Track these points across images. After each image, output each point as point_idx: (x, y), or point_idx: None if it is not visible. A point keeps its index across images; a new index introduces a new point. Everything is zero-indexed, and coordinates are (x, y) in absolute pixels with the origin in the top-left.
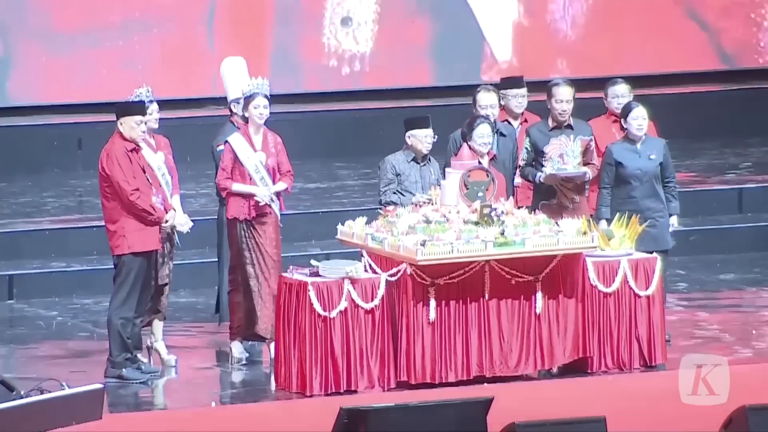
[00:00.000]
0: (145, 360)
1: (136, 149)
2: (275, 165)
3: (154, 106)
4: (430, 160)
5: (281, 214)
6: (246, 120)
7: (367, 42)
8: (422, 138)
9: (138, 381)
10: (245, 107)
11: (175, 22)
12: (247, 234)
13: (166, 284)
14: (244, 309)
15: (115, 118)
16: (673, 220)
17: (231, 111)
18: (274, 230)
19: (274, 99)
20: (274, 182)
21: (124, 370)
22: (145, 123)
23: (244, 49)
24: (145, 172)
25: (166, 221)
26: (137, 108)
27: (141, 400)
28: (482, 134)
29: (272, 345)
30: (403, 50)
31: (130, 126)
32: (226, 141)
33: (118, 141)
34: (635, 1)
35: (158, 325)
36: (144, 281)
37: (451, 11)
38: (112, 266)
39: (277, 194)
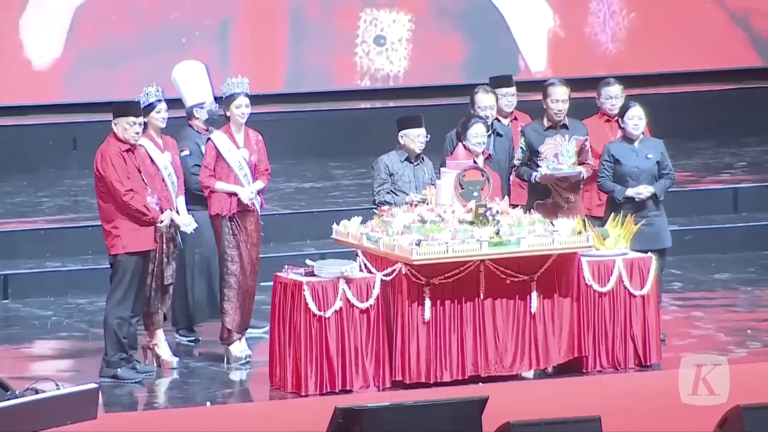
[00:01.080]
0: (146, 362)
1: (132, 149)
2: (257, 162)
3: (162, 105)
4: (423, 159)
5: (261, 213)
6: (227, 119)
7: (401, 61)
8: (415, 137)
9: (133, 381)
10: (226, 107)
11: (186, 30)
12: (230, 231)
13: (171, 284)
14: (220, 308)
15: (110, 118)
16: (644, 188)
17: (189, 115)
18: (255, 228)
19: (269, 99)
20: (254, 179)
21: (119, 369)
22: (140, 124)
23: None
24: (140, 172)
25: (161, 221)
26: (132, 108)
27: (135, 399)
28: (477, 134)
29: (234, 345)
30: (437, 68)
31: (123, 127)
32: (209, 139)
33: (113, 141)
34: (675, 14)
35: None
36: (140, 281)
37: (486, 26)
38: (108, 266)
39: (257, 192)
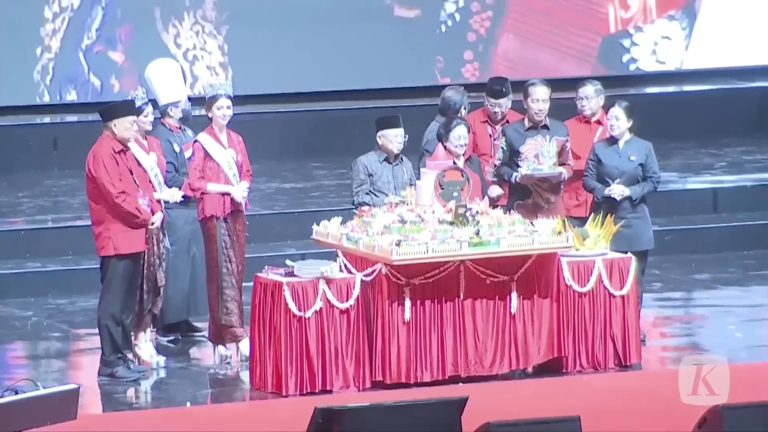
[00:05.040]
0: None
1: (124, 150)
2: (242, 162)
3: (149, 108)
4: (402, 159)
5: (246, 213)
6: (210, 120)
7: None
8: (393, 138)
9: (129, 379)
10: (208, 108)
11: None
12: (226, 231)
13: (163, 286)
14: (223, 308)
15: (93, 118)
16: (618, 188)
17: (163, 113)
18: (243, 229)
19: (250, 99)
20: (240, 179)
21: (116, 368)
22: (134, 123)
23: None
24: (132, 174)
25: (152, 223)
26: (131, 108)
27: (116, 399)
28: (459, 136)
29: (244, 342)
30: None
31: (125, 126)
32: (196, 140)
33: (106, 142)
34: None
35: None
36: (131, 282)
37: None
38: (88, 266)
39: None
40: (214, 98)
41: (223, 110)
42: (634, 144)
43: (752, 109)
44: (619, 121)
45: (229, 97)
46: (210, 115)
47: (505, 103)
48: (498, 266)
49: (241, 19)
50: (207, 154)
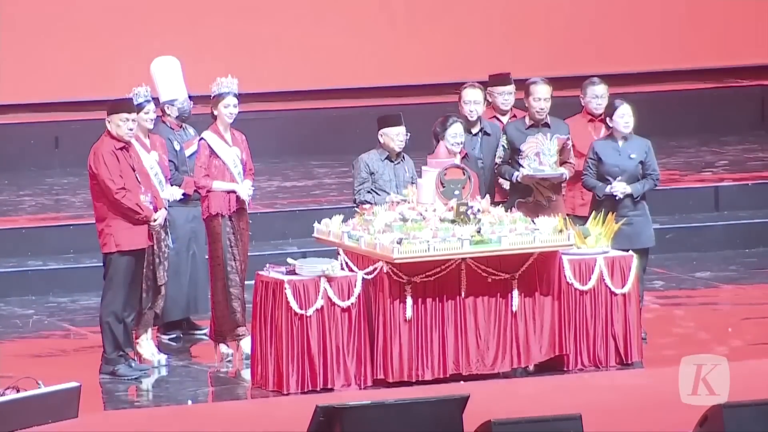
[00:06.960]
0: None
1: (126, 147)
2: (246, 160)
3: (151, 106)
4: (404, 158)
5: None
6: (214, 118)
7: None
8: (394, 136)
9: (131, 378)
10: (214, 106)
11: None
12: (229, 229)
13: (164, 284)
14: (226, 307)
15: (94, 116)
16: (620, 185)
17: (163, 111)
18: (246, 227)
19: (251, 97)
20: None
21: (117, 367)
22: (134, 121)
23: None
24: (134, 171)
25: (155, 220)
26: (124, 105)
27: (117, 398)
28: (455, 134)
29: (245, 341)
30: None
31: (117, 124)
32: (201, 138)
33: (107, 139)
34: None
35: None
36: (132, 279)
37: None
38: (91, 264)
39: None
40: (220, 96)
41: (230, 108)
42: (634, 142)
43: (754, 107)
44: (632, 118)
45: (235, 95)
46: (215, 112)
47: (512, 90)
48: (499, 264)
49: (243, 15)
50: (212, 152)
